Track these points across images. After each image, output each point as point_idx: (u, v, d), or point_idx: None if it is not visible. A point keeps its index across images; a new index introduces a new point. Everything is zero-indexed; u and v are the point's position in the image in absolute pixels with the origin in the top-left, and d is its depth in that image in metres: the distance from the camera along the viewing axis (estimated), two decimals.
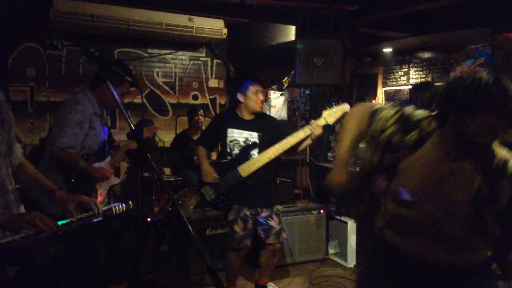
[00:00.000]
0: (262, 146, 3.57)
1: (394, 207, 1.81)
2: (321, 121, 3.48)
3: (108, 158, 3.20)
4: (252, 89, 3.57)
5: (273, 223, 3.63)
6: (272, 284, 3.90)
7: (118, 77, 2.75)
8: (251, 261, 4.11)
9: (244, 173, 3.50)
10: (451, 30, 6.36)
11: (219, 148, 3.82)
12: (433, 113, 1.80)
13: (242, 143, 3.59)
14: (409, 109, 1.85)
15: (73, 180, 2.87)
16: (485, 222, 1.65)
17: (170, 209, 4.66)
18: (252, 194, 3.56)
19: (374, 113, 1.90)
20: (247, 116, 3.63)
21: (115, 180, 3.27)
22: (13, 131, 2.09)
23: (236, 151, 3.59)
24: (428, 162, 1.73)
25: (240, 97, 3.62)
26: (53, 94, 6.11)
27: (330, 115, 3.50)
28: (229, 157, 3.61)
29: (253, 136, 3.60)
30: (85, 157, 2.99)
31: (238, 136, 3.60)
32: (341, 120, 3.53)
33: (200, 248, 1.83)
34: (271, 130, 3.66)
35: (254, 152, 3.58)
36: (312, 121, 3.49)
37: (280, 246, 3.79)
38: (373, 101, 8.79)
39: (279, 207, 3.81)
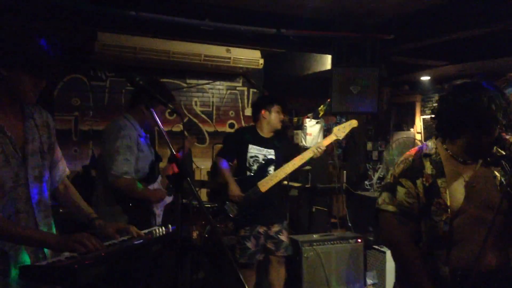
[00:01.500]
0: (278, 163, 3.86)
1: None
2: (332, 137, 3.86)
3: (159, 178, 3.21)
4: (276, 107, 3.86)
5: (283, 237, 3.89)
6: None
7: (159, 102, 2.84)
8: None
9: (264, 188, 3.74)
10: (490, 58, 6.28)
11: (236, 163, 3.99)
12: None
13: (261, 160, 3.84)
14: (402, 166, 1.91)
15: (131, 205, 2.90)
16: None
17: (207, 235, 4.69)
18: (266, 210, 3.80)
19: (400, 212, 1.87)
20: (266, 134, 3.90)
21: (168, 199, 3.27)
22: (57, 153, 2.16)
23: (255, 167, 3.83)
24: (457, 175, 1.83)
25: (264, 113, 3.86)
26: (96, 123, 6.34)
27: (340, 131, 3.92)
28: (248, 173, 3.84)
29: (271, 153, 3.86)
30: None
31: (258, 152, 3.84)
32: (348, 134, 3.98)
33: (238, 272, 1.84)
34: (285, 149, 3.97)
35: (271, 168, 3.85)
36: (318, 142, 3.91)
37: (285, 259, 3.95)
38: (411, 130, 8.68)
39: (314, 235, 3.96)
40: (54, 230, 2.07)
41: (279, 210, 3.93)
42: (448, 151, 1.87)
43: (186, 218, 4.55)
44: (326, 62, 7.11)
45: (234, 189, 3.75)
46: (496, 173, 1.85)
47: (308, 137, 7.78)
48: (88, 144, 6.32)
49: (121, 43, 5.98)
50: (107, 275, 1.83)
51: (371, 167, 6.80)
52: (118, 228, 2.23)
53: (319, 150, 3.75)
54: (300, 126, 7.04)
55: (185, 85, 7.01)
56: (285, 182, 4.36)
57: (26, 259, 1.87)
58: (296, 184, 5.89)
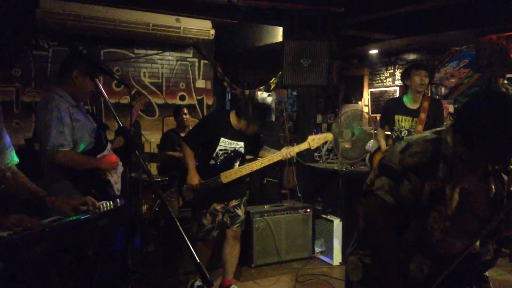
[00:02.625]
0: (244, 155, 3.86)
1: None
2: (304, 145, 3.80)
3: (109, 146, 3.09)
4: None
5: (240, 212, 3.86)
6: (235, 286, 3.94)
7: (103, 72, 2.73)
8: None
9: (226, 180, 3.72)
10: (436, 32, 6.46)
11: (204, 148, 3.86)
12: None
13: (229, 152, 3.76)
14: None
15: (81, 178, 2.78)
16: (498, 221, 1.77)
17: (157, 209, 4.66)
18: (224, 190, 3.76)
19: (397, 204, 1.75)
20: (237, 125, 3.73)
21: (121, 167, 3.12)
22: (4, 140, 2.08)
23: (222, 158, 3.76)
24: (460, 182, 1.73)
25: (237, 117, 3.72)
26: (38, 94, 6.06)
27: (314, 141, 3.83)
28: (213, 162, 3.76)
29: (241, 146, 3.79)
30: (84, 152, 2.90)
31: (228, 146, 3.76)
32: (322, 145, 3.79)
33: (188, 245, 1.83)
34: (255, 141, 3.91)
35: (238, 160, 3.81)
36: (288, 149, 3.75)
37: (240, 233, 3.92)
38: (359, 103, 8.87)
39: (265, 206, 3.96)
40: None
41: (239, 188, 3.89)
42: (463, 155, 1.72)
43: (136, 192, 4.50)
44: (278, 34, 7.09)
45: (193, 178, 3.66)
46: (492, 186, 1.78)
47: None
48: (31, 116, 6.04)
49: (64, 10, 5.68)
50: (53, 251, 1.78)
51: None
52: (73, 205, 2.18)
53: (289, 155, 3.74)
54: (252, 99, 7.02)
55: (133, 55, 6.80)
56: (248, 179, 4.31)
57: None
58: (248, 157, 5.91)
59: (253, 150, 3.91)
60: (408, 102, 4.42)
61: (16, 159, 2.20)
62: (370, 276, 1.87)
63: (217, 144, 3.71)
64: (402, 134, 4.40)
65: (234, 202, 3.84)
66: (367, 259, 1.89)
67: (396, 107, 4.48)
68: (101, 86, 2.09)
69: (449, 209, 1.70)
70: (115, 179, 3.08)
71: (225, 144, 3.73)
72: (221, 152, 3.74)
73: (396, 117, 4.44)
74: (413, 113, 4.36)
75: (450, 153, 1.71)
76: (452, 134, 1.74)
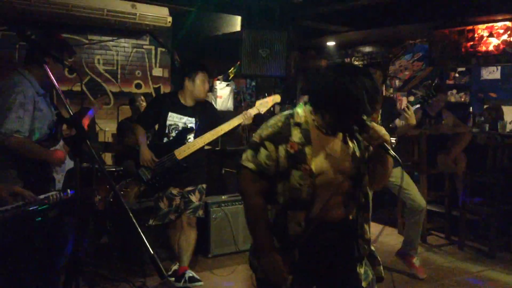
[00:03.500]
0: (198, 131, 3.79)
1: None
2: (254, 110, 3.78)
3: (61, 141, 3.00)
4: (200, 77, 3.73)
5: (194, 198, 3.84)
6: (192, 272, 3.89)
7: (51, 57, 2.63)
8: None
9: (180, 156, 3.69)
10: (391, 25, 6.60)
11: (155, 128, 3.90)
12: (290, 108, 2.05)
13: (180, 128, 3.76)
14: (270, 129, 2.00)
15: (27, 169, 2.68)
16: (361, 174, 2.06)
17: (111, 199, 4.56)
18: (183, 175, 3.75)
19: (258, 171, 1.99)
20: (188, 102, 3.78)
21: (70, 164, 3.05)
22: None
23: (173, 134, 3.75)
24: (320, 144, 2.00)
25: (187, 83, 3.73)
26: None
27: (262, 105, 3.82)
28: (165, 139, 3.76)
29: (191, 122, 3.78)
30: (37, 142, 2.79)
31: (177, 120, 3.75)
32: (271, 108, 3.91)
33: (141, 236, 1.81)
34: (208, 118, 3.86)
35: (190, 136, 3.78)
36: (245, 111, 3.79)
37: (195, 220, 3.90)
38: None
39: (205, 189, 3.98)
40: None
41: (197, 175, 3.85)
42: (315, 122, 2.01)
43: (89, 183, 4.39)
44: (236, 23, 7.05)
45: (145, 153, 3.68)
46: (350, 144, 2.06)
47: (218, 99, 7.76)
48: None
49: None
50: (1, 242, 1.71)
51: None
52: (11, 191, 2.08)
53: (247, 116, 3.70)
54: (211, 89, 6.97)
55: (86, 41, 6.59)
56: (208, 147, 4.22)
57: None
58: (206, 147, 5.88)
59: (212, 126, 3.79)
60: None
61: None
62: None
63: (165, 119, 3.72)
64: None
65: (189, 188, 3.83)
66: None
67: None
68: (50, 73, 2.02)
69: (312, 167, 1.95)
70: (59, 178, 3.02)
71: (173, 119, 3.74)
72: (171, 127, 3.73)
73: None
74: None
75: (304, 121, 2.00)
76: (303, 106, 2.05)
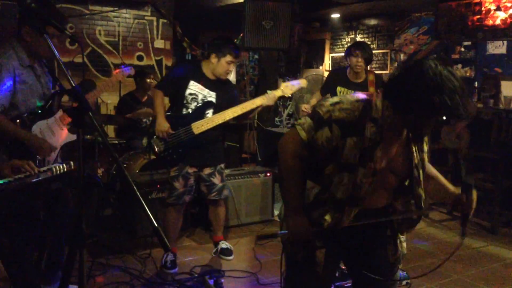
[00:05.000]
0: (217, 107, 3.64)
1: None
2: (278, 92, 3.67)
3: (59, 114, 2.88)
4: (228, 58, 3.58)
5: (216, 180, 3.76)
6: (225, 242, 4.04)
7: (49, 25, 2.54)
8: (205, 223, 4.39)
9: (197, 130, 3.56)
10: None
11: (173, 98, 3.72)
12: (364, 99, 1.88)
13: (199, 100, 3.61)
14: (344, 114, 1.85)
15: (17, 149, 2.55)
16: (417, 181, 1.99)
17: (115, 172, 4.56)
18: (198, 152, 3.63)
19: (308, 143, 1.89)
20: (210, 75, 3.64)
21: (72, 137, 2.90)
22: None
23: (192, 106, 3.61)
24: (388, 145, 1.89)
25: (213, 59, 3.59)
26: None
27: (288, 88, 3.70)
28: (184, 111, 3.61)
29: (212, 96, 3.63)
30: (25, 115, 2.67)
31: (198, 91, 3.60)
32: (283, 109, 3.74)
33: (146, 208, 1.79)
34: (227, 95, 3.73)
35: (209, 111, 3.64)
36: (269, 91, 3.67)
37: (222, 202, 3.92)
38: (320, 68, 8.88)
39: (224, 169, 3.92)
40: None
41: (214, 153, 3.73)
42: (389, 120, 1.84)
43: (91, 155, 4.37)
44: None
45: (162, 123, 3.52)
46: (413, 148, 1.95)
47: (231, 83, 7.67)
48: None
49: None
50: (3, 215, 1.70)
51: (281, 104, 6.90)
52: (14, 166, 2.06)
53: (270, 96, 3.61)
54: (226, 75, 6.87)
55: (87, 11, 6.48)
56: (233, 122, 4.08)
57: None
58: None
59: (230, 105, 3.65)
60: (350, 76, 4.30)
61: None
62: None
63: (186, 87, 3.57)
64: None
65: (208, 170, 3.71)
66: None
67: (339, 79, 4.30)
68: (51, 43, 1.97)
69: (378, 166, 1.86)
70: (52, 158, 2.75)
71: (194, 88, 3.59)
72: (191, 97, 3.59)
73: (339, 88, 4.26)
74: (357, 87, 4.14)
75: (379, 116, 1.84)
76: (382, 99, 1.85)
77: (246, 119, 3.99)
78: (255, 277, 3.61)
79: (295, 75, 8.66)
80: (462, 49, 7.27)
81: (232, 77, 8.12)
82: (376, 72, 4.44)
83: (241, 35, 5.95)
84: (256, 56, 8.77)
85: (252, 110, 3.66)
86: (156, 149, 3.62)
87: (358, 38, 8.21)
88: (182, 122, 3.58)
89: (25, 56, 2.70)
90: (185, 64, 3.73)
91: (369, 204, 1.95)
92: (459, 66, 7.21)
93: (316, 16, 8.48)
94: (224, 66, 3.59)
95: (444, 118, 1.72)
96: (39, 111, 2.78)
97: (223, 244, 4.00)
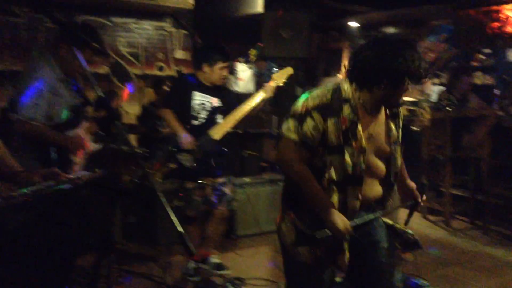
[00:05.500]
0: (224, 111, 3.71)
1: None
2: (273, 83, 3.74)
3: (84, 124, 3.00)
4: (220, 65, 3.62)
5: (227, 190, 3.76)
6: (215, 257, 3.88)
7: (82, 42, 2.64)
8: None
9: (217, 136, 3.60)
10: (415, 5, 6.47)
11: (180, 112, 3.72)
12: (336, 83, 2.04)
13: (208, 107, 3.66)
14: (317, 100, 1.98)
15: (54, 157, 2.70)
16: (394, 157, 2.12)
17: (137, 180, 4.63)
18: (217, 161, 3.67)
19: (301, 142, 1.97)
20: (209, 84, 3.69)
21: (95, 147, 3.04)
22: None
23: (202, 115, 3.65)
24: (366, 123, 2.02)
25: (205, 68, 3.64)
26: (13, 62, 5.89)
27: (279, 77, 3.77)
28: (195, 121, 3.65)
29: (217, 102, 3.70)
30: (60, 127, 2.81)
31: (204, 99, 3.65)
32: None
33: (171, 214, 1.84)
34: (230, 98, 3.83)
35: (218, 117, 3.70)
36: (265, 84, 3.78)
37: (228, 214, 3.87)
38: (338, 76, 8.88)
39: (245, 179, 3.93)
40: None
41: (225, 164, 3.77)
42: (360, 100, 1.99)
43: (115, 163, 4.45)
44: (258, 4, 6.99)
45: (186, 136, 3.53)
46: (392, 126, 2.10)
47: (239, 82, 7.74)
48: (5, 85, 5.87)
49: None
50: (35, 220, 1.76)
51: None
52: (43, 174, 2.13)
53: (268, 88, 3.65)
54: (231, 71, 6.95)
55: (109, 23, 6.62)
56: (239, 131, 4.14)
57: None
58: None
59: (233, 107, 3.71)
60: None
61: None
62: (303, 236, 2.06)
63: (190, 98, 3.61)
64: None
65: (221, 179, 3.73)
66: (297, 221, 2.08)
67: None
68: (79, 54, 2.05)
69: (362, 144, 1.97)
70: (78, 160, 2.97)
71: (200, 97, 3.63)
72: (199, 107, 3.63)
73: None
74: None
75: (351, 97, 1.98)
76: (348, 83, 2.01)
77: (254, 114, 3.97)
78: (276, 285, 3.63)
79: (313, 84, 8.69)
80: (482, 57, 7.22)
81: (250, 86, 8.18)
82: None
83: (260, 44, 6.01)
84: (273, 65, 8.83)
85: (257, 105, 3.70)
86: (186, 164, 3.60)
87: None
88: (198, 133, 3.60)
89: (59, 69, 2.80)
90: (183, 77, 3.80)
91: (369, 192, 2.05)
92: (479, 73, 7.16)
93: (335, 25, 8.51)
94: (218, 73, 3.63)
95: (409, 81, 1.91)
96: (68, 122, 2.88)
97: (214, 259, 3.86)
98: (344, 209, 1.98)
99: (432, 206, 5.39)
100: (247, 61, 7.34)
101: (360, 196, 2.00)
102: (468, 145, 5.16)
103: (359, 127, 1.96)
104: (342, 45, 8.90)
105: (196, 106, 3.63)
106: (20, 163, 2.49)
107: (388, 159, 2.10)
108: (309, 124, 1.94)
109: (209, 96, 3.67)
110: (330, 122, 1.94)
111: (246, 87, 7.93)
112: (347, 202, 2.00)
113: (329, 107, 1.95)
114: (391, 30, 8.02)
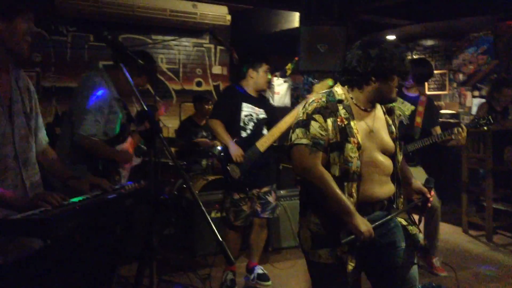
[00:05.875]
0: (269, 123, 3.75)
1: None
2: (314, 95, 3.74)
3: (129, 139, 3.16)
4: (264, 68, 3.72)
5: (271, 199, 3.80)
6: (261, 267, 3.95)
7: (141, 69, 2.81)
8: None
9: (262, 148, 3.63)
10: (453, 18, 6.40)
11: (228, 124, 3.76)
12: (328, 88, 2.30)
13: (255, 119, 3.71)
14: (315, 104, 2.14)
15: (96, 164, 2.86)
16: (396, 153, 2.25)
17: (176, 192, 4.74)
18: (260, 172, 3.70)
19: (313, 143, 2.09)
20: (253, 93, 3.75)
21: (136, 161, 3.22)
22: (39, 120, 2.17)
23: (250, 126, 3.69)
24: (362, 120, 2.17)
25: (251, 74, 3.72)
26: (59, 79, 6.17)
27: (319, 88, 3.74)
28: (243, 133, 3.69)
29: (262, 113, 3.74)
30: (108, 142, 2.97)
31: (251, 111, 3.70)
32: None
33: (211, 224, 1.89)
34: (272, 109, 3.87)
35: (264, 128, 3.74)
36: (307, 95, 3.79)
37: (266, 221, 3.90)
38: None
39: (281, 191, 3.97)
40: (41, 189, 2.09)
41: (270, 172, 3.82)
42: (353, 99, 2.17)
43: (156, 175, 4.57)
44: (294, 19, 7.08)
45: (235, 148, 3.58)
46: (390, 121, 2.26)
47: (276, 96, 7.82)
48: (51, 101, 6.16)
49: None
50: (82, 227, 1.85)
51: None
52: (92, 183, 2.24)
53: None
54: (268, 85, 7.02)
55: (150, 41, 6.86)
56: (275, 144, 4.19)
57: None
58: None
59: (273, 118, 3.77)
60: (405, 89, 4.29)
61: (47, 138, 2.28)
62: (318, 239, 2.18)
63: (240, 109, 3.65)
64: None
65: (266, 188, 3.77)
66: (312, 225, 2.20)
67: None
68: (126, 71, 2.15)
69: (358, 139, 2.10)
70: (125, 173, 3.16)
71: (247, 109, 3.68)
72: (247, 119, 3.68)
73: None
74: (410, 99, 4.13)
75: (344, 98, 2.16)
76: (339, 86, 2.21)
77: None
78: None
79: None
80: None
81: (286, 100, 8.24)
82: (434, 92, 4.39)
83: (296, 58, 6.07)
84: (310, 79, 8.86)
85: None
86: (234, 175, 3.65)
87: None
88: (246, 145, 3.64)
89: (114, 89, 2.97)
90: (231, 88, 3.85)
91: (374, 194, 2.14)
92: None
93: (371, 38, 8.48)
94: (264, 76, 3.72)
95: (397, 75, 2.10)
96: (117, 137, 3.04)
97: (260, 270, 3.92)
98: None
99: (473, 220, 5.26)
100: (282, 75, 7.42)
101: (354, 193, 2.08)
102: (510, 158, 5.02)
103: (353, 123, 2.11)
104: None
105: (244, 118, 3.69)
106: (74, 173, 2.65)
107: (393, 156, 2.22)
108: (314, 126, 2.09)
109: (255, 107, 3.72)
110: (330, 121, 2.10)
111: (282, 101, 8.00)
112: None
113: (327, 109, 2.11)
114: (429, 42, 7.94)
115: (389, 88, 2.13)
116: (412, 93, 4.18)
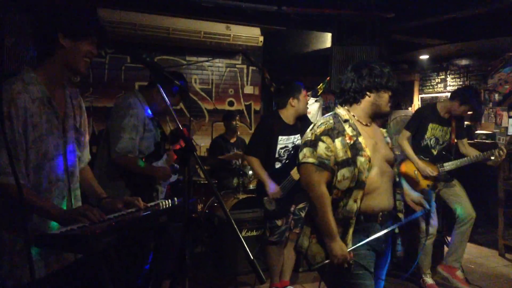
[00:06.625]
0: None
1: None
2: None
3: (165, 157, 3.24)
4: (303, 94, 3.80)
5: (303, 214, 3.81)
6: (291, 287, 3.97)
7: (175, 90, 2.92)
8: None
9: (297, 176, 3.61)
10: (489, 37, 6.30)
11: (264, 154, 3.79)
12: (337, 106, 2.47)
13: (290, 149, 3.75)
14: (323, 127, 2.33)
15: (134, 180, 2.95)
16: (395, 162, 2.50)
17: (207, 211, 4.78)
18: (295, 191, 3.69)
19: (319, 163, 2.28)
20: (291, 120, 3.78)
21: (173, 178, 3.30)
22: (87, 137, 2.27)
23: (285, 156, 3.74)
24: (366, 135, 2.37)
25: (293, 102, 3.75)
26: (96, 99, 6.36)
27: None
28: (278, 163, 3.73)
29: (298, 138, 3.77)
30: (143, 159, 3.06)
31: (287, 142, 3.75)
32: None
33: (242, 242, 1.91)
34: (306, 129, 3.83)
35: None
36: None
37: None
38: (409, 109, 8.73)
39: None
40: (80, 202, 2.18)
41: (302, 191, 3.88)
42: (355, 117, 2.39)
43: (190, 193, 4.64)
44: (326, 40, 7.12)
45: (274, 188, 3.61)
46: (384, 133, 2.53)
47: (308, 115, 7.83)
48: (89, 120, 6.34)
49: (121, 19, 5.97)
50: (117, 243, 1.90)
51: None
52: (125, 202, 2.30)
53: None
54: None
55: (184, 62, 7.02)
56: None
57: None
58: None
59: None
60: (442, 113, 4.27)
61: (90, 156, 2.37)
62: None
63: (276, 143, 3.70)
64: (431, 142, 4.21)
65: (301, 205, 3.83)
66: (305, 239, 2.42)
67: (430, 116, 4.24)
68: (162, 91, 2.22)
69: (368, 153, 2.29)
70: (162, 189, 3.25)
71: (283, 141, 3.73)
72: (282, 151, 3.73)
73: (431, 125, 4.21)
74: (445, 123, 4.20)
75: (349, 117, 2.37)
76: (340, 107, 2.44)
77: None
78: None
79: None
80: None
81: (318, 119, 8.24)
82: (469, 112, 4.33)
83: (328, 78, 6.10)
84: None
85: None
86: (268, 207, 3.69)
87: (449, 79, 8.03)
88: (281, 175, 3.68)
89: (149, 108, 3.09)
90: (266, 121, 3.86)
91: (380, 204, 2.31)
92: None
93: (404, 58, 8.44)
94: (304, 101, 3.81)
95: (390, 93, 2.39)
96: (152, 154, 3.13)
97: None
98: (346, 218, 2.27)
99: (510, 243, 5.10)
100: (314, 95, 7.44)
101: (358, 200, 2.26)
102: None
103: (361, 139, 2.31)
104: (413, 78, 8.79)
105: (280, 150, 3.73)
106: (112, 189, 2.74)
107: (392, 165, 2.44)
108: (321, 147, 2.28)
109: (291, 136, 3.76)
110: (338, 142, 2.28)
111: (313, 120, 7.99)
112: (347, 203, 2.27)
113: (334, 130, 2.31)
114: (463, 62, 7.83)
115: (383, 101, 2.39)
116: (444, 115, 4.23)
